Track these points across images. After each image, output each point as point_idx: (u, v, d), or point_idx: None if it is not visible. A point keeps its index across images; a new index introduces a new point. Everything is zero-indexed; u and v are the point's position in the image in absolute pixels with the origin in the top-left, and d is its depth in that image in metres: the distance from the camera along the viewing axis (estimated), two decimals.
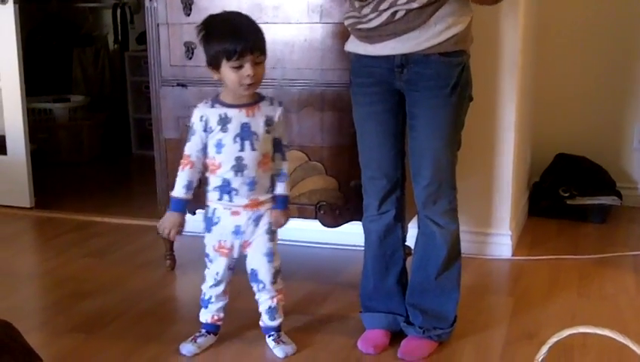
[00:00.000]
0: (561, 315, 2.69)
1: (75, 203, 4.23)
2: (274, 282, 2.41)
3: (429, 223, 2.36)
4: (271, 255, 2.38)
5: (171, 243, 3.14)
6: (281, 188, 2.37)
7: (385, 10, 2.17)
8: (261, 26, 2.71)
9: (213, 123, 2.30)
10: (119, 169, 5.39)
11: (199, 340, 2.46)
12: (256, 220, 2.35)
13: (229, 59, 2.20)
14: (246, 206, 2.33)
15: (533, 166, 4.06)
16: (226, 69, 2.22)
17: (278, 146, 2.36)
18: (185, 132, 2.90)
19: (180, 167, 2.35)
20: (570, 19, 4.01)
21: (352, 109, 2.40)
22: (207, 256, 2.44)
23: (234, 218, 2.35)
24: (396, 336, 2.47)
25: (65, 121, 5.43)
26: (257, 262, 2.39)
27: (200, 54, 2.84)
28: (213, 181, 2.34)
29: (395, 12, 2.16)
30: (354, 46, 2.32)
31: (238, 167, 2.29)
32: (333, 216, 2.80)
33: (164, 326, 2.63)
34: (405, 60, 2.22)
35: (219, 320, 2.49)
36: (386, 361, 2.37)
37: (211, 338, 2.48)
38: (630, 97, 4.02)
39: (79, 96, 5.70)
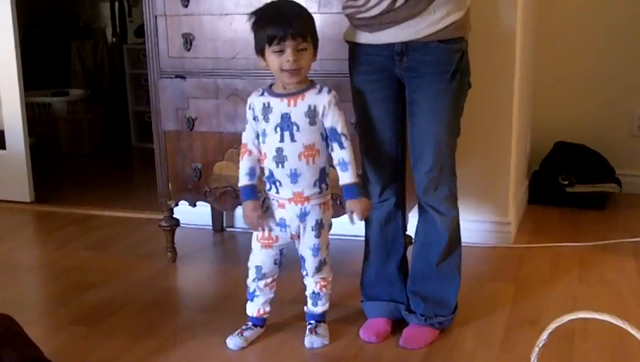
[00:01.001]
0: (562, 301, 2.70)
1: (75, 196, 4.23)
2: (318, 271, 2.41)
3: (430, 210, 2.36)
4: (317, 250, 2.37)
5: (172, 235, 3.14)
6: (344, 178, 2.29)
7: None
8: None
9: (258, 111, 2.30)
10: (119, 162, 5.39)
11: (246, 333, 2.44)
12: (302, 217, 2.33)
13: (270, 44, 2.19)
14: (290, 199, 2.31)
15: (533, 154, 4.06)
16: (269, 55, 2.21)
17: (332, 135, 2.28)
18: (184, 123, 2.92)
19: (240, 157, 2.37)
20: (569, 7, 4.00)
21: (352, 97, 2.40)
22: (252, 248, 2.43)
23: (280, 210, 2.34)
24: (397, 325, 2.48)
25: (64, 114, 5.43)
26: (305, 252, 2.40)
27: (198, 45, 2.86)
28: (265, 171, 2.35)
29: (395, 0, 2.17)
30: (353, 35, 2.32)
31: (279, 158, 2.27)
32: (334, 207, 2.79)
33: (166, 318, 2.64)
34: (405, 48, 2.23)
35: (265, 313, 2.47)
36: (388, 350, 2.37)
37: (258, 331, 2.47)
38: (629, 85, 4.01)
39: (78, 90, 5.71)
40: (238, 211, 3.44)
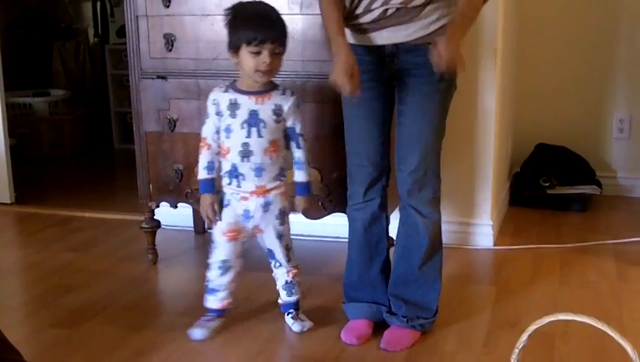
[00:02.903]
0: (543, 303, 2.71)
1: (57, 198, 4.20)
2: (289, 259, 2.50)
3: (412, 213, 2.37)
4: (283, 238, 2.48)
5: (153, 237, 3.13)
6: (299, 176, 2.47)
7: (377, 8, 2.22)
8: None
9: (224, 107, 2.37)
10: (101, 163, 5.36)
11: (209, 324, 2.49)
12: (265, 206, 2.42)
13: (249, 43, 2.27)
14: (253, 192, 2.40)
15: (514, 156, 4.08)
16: (245, 54, 2.29)
17: (292, 135, 2.43)
18: (166, 124, 2.91)
19: (199, 151, 2.43)
20: (550, 10, 4.03)
21: (341, 97, 2.41)
22: (213, 242, 2.48)
23: (243, 202, 2.41)
24: (379, 327, 2.48)
25: (45, 115, 5.40)
26: (272, 243, 2.48)
27: (180, 46, 2.85)
28: (224, 166, 2.41)
29: (387, 9, 2.21)
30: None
31: (245, 153, 2.36)
32: (316, 208, 2.80)
33: (148, 320, 2.62)
34: (396, 50, 2.26)
35: (229, 305, 2.52)
36: (370, 352, 2.37)
37: (221, 321, 2.52)
38: (610, 87, 4.04)
39: (60, 90, 5.67)
40: None
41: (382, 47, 2.28)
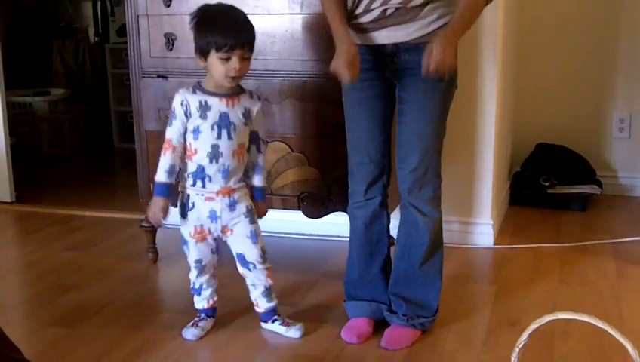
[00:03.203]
0: (543, 302, 2.71)
1: (57, 197, 4.20)
2: (264, 261, 2.45)
3: (413, 211, 2.37)
4: (254, 236, 2.42)
5: (153, 235, 3.13)
6: (258, 180, 2.46)
7: (376, 7, 2.22)
8: None
9: (194, 108, 2.33)
10: (101, 162, 5.36)
11: (201, 324, 2.50)
12: (232, 205, 2.39)
13: (218, 50, 2.25)
14: (218, 192, 2.37)
15: (514, 155, 4.08)
16: (214, 59, 2.26)
17: (255, 139, 2.42)
18: (166, 123, 2.90)
19: (162, 152, 2.37)
20: (551, 10, 4.03)
21: (342, 95, 2.42)
22: (184, 243, 2.46)
23: (208, 203, 2.38)
24: (379, 325, 2.48)
25: (45, 114, 5.40)
26: (242, 245, 2.42)
27: (180, 45, 2.85)
28: (189, 167, 2.37)
29: (386, 9, 2.22)
30: None
31: (214, 155, 2.33)
32: (316, 207, 2.80)
33: (148, 319, 2.62)
34: (396, 49, 2.26)
35: (215, 303, 2.54)
36: (370, 350, 2.38)
37: (211, 321, 2.53)
38: (610, 87, 4.04)
39: (59, 89, 5.67)
40: None
41: (382, 47, 2.28)
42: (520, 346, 1.55)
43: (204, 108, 2.32)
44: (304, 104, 2.73)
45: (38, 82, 5.72)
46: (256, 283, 2.47)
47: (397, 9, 2.21)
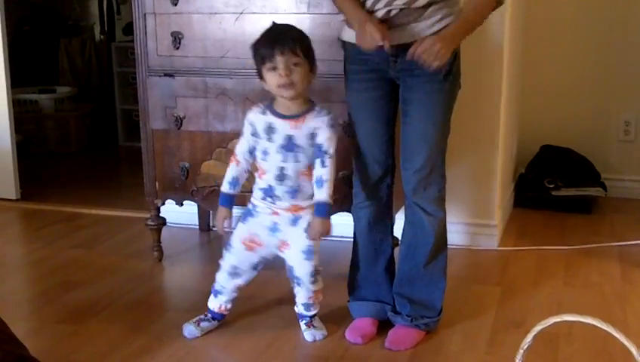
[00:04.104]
0: (547, 304, 2.71)
1: (62, 194, 4.21)
2: (313, 282, 2.44)
3: (418, 211, 2.37)
4: (310, 253, 2.40)
5: (159, 234, 3.14)
6: (319, 195, 2.35)
7: (380, 9, 2.22)
8: (248, 16, 2.74)
9: (260, 130, 2.36)
10: (106, 160, 5.37)
11: (203, 324, 2.50)
12: (294, 221, 2.39)
13: (264, 62, 2.27)
14: (286, 209, 2.39)
15: (519, 157, 4.08)
16: (266, 74, 2.29)
17: (318, 151, 2.35)
18: (172, 122, 2.92)
19: (229, 162, 2.45)
20: (557, 11, 4.03)
21: (346, 96, 2.43)
22: (228, 245, 2.46)
23: (273, 216, 2.39)
24: (383, 326, 2.48)
25: (51, 111, 5.41)
26: (294, 259, 2.42)
27: (187, 44, 2.86)
28: (260, 183, 2.40)
29: (390, 10, 2.22)
30: (349, 36, 2.34)
31: (281, 177, 2.35)
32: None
33: (153, 317, 2.63)
34: (400, 49, 2.25)
35: (226, 310, 2.53)
36: (374, 351, 2.38)
37: (214, 324, 2.52)
38: (616, 89, 4.04)
39: (65, 87, 5.68)
40: None
41: None
42: (525, 348, 1.55)
43: (270, 130, 2.33)
44: None
45: (44, 80, 5.73)
46: (299, 296, 2.48)
47: (401, 10, 2.21)
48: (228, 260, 2.46)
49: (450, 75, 2.29)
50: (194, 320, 2.50)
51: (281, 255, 2.44)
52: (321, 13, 2.66)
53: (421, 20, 2.23)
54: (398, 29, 2.23)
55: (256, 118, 2.36)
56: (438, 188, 2.37)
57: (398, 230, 2.52)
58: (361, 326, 2.47)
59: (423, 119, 2.31)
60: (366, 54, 2.30)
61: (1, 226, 3.75)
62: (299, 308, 2.50)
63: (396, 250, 2.53)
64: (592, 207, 3.83)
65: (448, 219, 2.45)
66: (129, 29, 5.49)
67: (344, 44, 2.39)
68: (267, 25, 2.64)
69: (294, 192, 2.36)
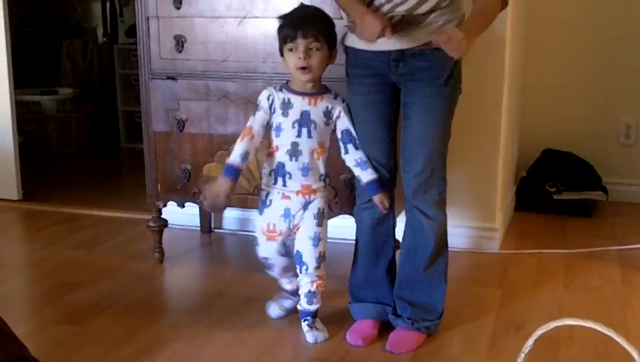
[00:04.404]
0: (548, 307, 2.71)
1: (63, 195, 4.21)
2: (317, 267, 2.46)
3: (418, 214, 2.38)
4: (317, 239, 2.44)
5: (160, 235, 3.14)
6: (367, 175, 2.40)
7: (383, 15, 2.23)
8: (250, 20, 2.74)
9: (277, 104, 2.39)
10: (107, 162, 5.37)
11: (284, 303, 2.63)
12: (306, 205, 2.43)
13: (285, 42, 2.33)
14: (298, 192, 2.41)
15: (520, 161, 4.08)
16: (286, 53, 2.35)
17: (348, 137, 2.41)
18: (174, 125, 2.92)
19: (240, 138, 2.41)
20: (558, 14, 4.03)
21: (348, 99, 2.43)
22: (255, 239, 2.53)
23: (285, 201, 2.42)
24: (384, 329, 2.49)
25: (53, 113, 5.42)
26: (303, 244, 2.45)
27: (190, 47, 2.87)
28: (270, 163, 2.42)
29: (392, 17, 2.23)
30: (352, 41, 2.36)
31: (293, 152, 2.38)
32: (332, 206, 2.80)
33: (153, 319, 2.63)
34: (401, 55, 2.27)
35: (297, 287, 2.55)
36: (375, 354, 2.38)
37: (296, 302, 2.58)
38: (617, 93, 4.04)
39: (67, 89, 5.69)
40: (226, 213, 3.45)
41: (388, 52, 2.29)
42: (526, 351, 1.56)
43: (286, 106, 2.37)
44: None
45: (46, 81, 5.74)
46: (303, 284, 2.49)
47: (403, 16, 2.23)
48: (259, 253, 2.52)
49: (451, 79, 2.30)
50: (275, 298, 2.64)
51: (294, 237, 2.49)
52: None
53: (423, 27, 2.24)
54: (401, 35, 2.24)
55: (275, 93, 2.40)
56: (438, 191, 2.37)
57: (399, 233, 2.53)
58: (362, 328, 2.47)
59: (423, 122, 2.32)
60: (368, 59, 2.30)
61: (2, 227, 3.76)
62: (302, 303, 2.51)
63: (398, 253, 2.54)
64: (593, 211, 3.83)
65: (449, 222, 2.46)
66: (131, 31, 5.50)
67: (346, 49, 2.40)
68: (270, 28, 2.67)
69: (306, 170, 2.39)
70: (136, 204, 3.79)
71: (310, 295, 2.48)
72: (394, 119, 2.41)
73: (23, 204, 4.07)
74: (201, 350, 2.41)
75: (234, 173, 2.38)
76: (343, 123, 2.40)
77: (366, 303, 2.52)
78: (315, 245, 2.44)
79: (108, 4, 5.91)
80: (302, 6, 2.46)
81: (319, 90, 2.40)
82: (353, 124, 2.40)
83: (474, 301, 2.79)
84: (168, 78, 2.91)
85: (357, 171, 2.42)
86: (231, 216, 3.54)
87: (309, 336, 2.46)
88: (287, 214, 2.43)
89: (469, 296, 2.82)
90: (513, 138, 3.78)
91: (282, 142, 2.38)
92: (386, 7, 2.23)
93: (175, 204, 3.07)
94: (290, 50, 2.32)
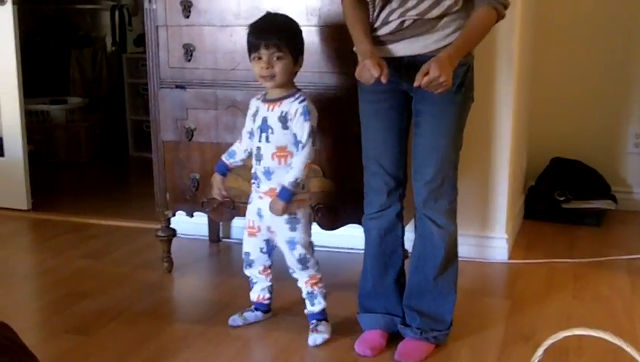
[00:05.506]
0: (557, 317, 2.70)
1: (72, 205, 4.23)
2: (303, 269, 2.53)
3: (428, 223, 2.37)
4: (292, 243, 2.50)
5: (169, 245, 3.15)
6: (284, 179, 2.44)
7: (394, 19, 2.24)
8: None
9: (251, 113, 2.55)
10: (116, 171, 5.39)
11: (245, 314, 2.66)
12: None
13: (250, 51, 2.43)
14: (266, 193, 2.49)
15: (529, 169, 4.07)
16: (252, 62, 2.44)
17: (295, 141, 2.45)
18: (183, 134, 2.93)
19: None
20: (567, 24, 4.03)
21: (359, 107, 2.44)
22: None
23: (259, 201, 2.53)
24: (392, 339, 2.48)
25: (62, 122, 5.44)
26: (282, 248, 2.54)
27: (199, 56, 2.88)
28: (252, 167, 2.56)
29: (404, 21, 2.24)
30: None
31: (257, 156, 2.50)
32: (331, 219, 2.81)
33: (162, 328, 2.64)
34: (413, 61, 2.26)
35: (264, 299, 2.67)
36: None
37: (259, 315, 2.67)
38: (625, 102, 4.04)
39: (76, 98, 5.71)
40: (235, 222, 3.45)
41: (399, 59, 2.29)
42: None
43: (255, 113, 2.52)
44: (320, 116, 2.73)
45: (55, 91, 5.76)
46: (301, 286, 2.57)
47: (414, 21, 2.23)
48: (243, 248, 2.61)
49: (462, 86, 2.29)
50: (240, 311, 2.66)
51: (275, 242, 2.56)
52: (331, 25, 2.67)
53: (434, 32, 2.24)
54: (412, 40, 2.25)
55: (253, 102, 2.55)
56: (449, 200, 2.37)
57: (408, 242, 2.52)
58: (370, 338, 2.46)
59: (434, 130, 2.31)
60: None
61: (11, 236, 3.77)
62: (307, 305, 2.57)
63: (407, 262, 2.53)
64: (602, 220, 3.82)
65: (458, 231, 2.45)
66: (140, 40, 5.52)
67: (357, 56, 2.40)
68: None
69: (269, 173, 2.47)
70: (144, 213, 3.79)
71: (309, 296, 2.55)
72: (405, 128, 2.41)
73: (32, 214, 4.08)
74: (210, 359, 2.41)
75: (221, 167, 2.62)
76: (294, 126, 2.43)
77: (374, 313, 2.51)
78: (292, 248, 2.51)
79: (117, 14, 5.94)
80: (268, 15, 2.51)
81: (283, 94, 2.46)
82: (311, 126, 2.42)
83: (482, 311, 2.78)
84: (177, 87, 2.92)
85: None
86: (239, 226, 3.54)
87: (309, 339, 2.49)
88: (260, 214, 2.52)
89: (478, 306, 2.81)
90: (522, 146, 3.77)
91: (252, 147, 2.52)
92: (397, 12, 2.23)
93: (184, 213, 3.08)
94: (255, 59, 2.40)
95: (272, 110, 2.45)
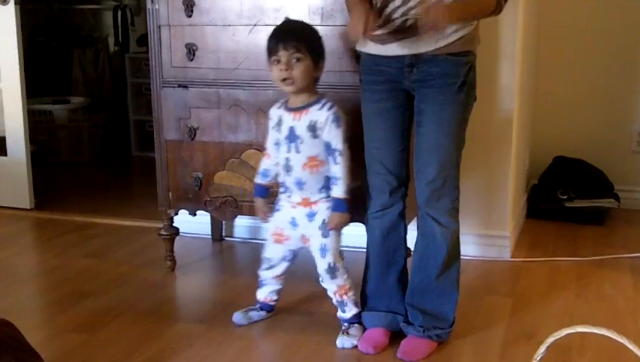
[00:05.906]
0: (559, 316, 2.70)
1: (75, 204, 4.23)
2: (332, 278, 2.50)
3: (430, 222, 2.38)
4: (324, 251, 2.48)
5: (172, 244, 3.15)
6: (335, 192, 2.44)
7: (397, 18, 2.24)
8: (261, 28, 2.75)
9: (274, 123, 2.51)
10: (119, 170, 5.40)
11: (251, 313, 2.66)
12: (310, 216, 2.49)
13: (269, 55, 2.40)
14: (299, 203, 2.49)
15: (532, 168, 4.07)
16: (271, 66, 2.42)
17: (328, 150, 2.43)
18: (186, 133, 2.94)
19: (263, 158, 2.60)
20: (570, 22, 4.03)
21: (361, 106, 2.44)
22: (266, 240, 2.61)
23: (292, 210, 2.52)
24: (395, 337, 2.48)
25: (65, 122, 5.44)
26: (314, 256, 2.52)
27: (201, 56, 2.88)
28: (280, 176, 2.54)
29: (406, 20, 2.23)
30: (364, 45, 2.36)
31: (287, 168, 2.47)
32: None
33: (164, 326, 2.64)
34: (415, 60, 2.27)
35: (271, 300, 2.68)
36: (386, 361, 2.38)
37: (263, 314, 2.68)
38: (628, 100, 4.03)
39: (79, 98, 5.72)
40: (238, 221, 3.45)
41: (401, 58, 2.29)
42: (537, 359, 1.55)
43: (279, 123, 2.48)
44: None
45: (58, 90, 5.77)
46: (330, 294, 2.55)
47: (417, 19, 2.22)
48: (264, 253, 2.63)
49: (464, 85, 2.29)
50: (244, 309, 2.65)
51: (309, 248, 2.54)
52: (334, 25, 2.67)
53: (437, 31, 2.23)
54: (413, 39, 2.24)
55: (273, 112, 2.52)
56: (451, 199, 2.37)
57: (411, 240, 2.53)
58: (373, 336, 2.47)
59: (436, 130, 2.32)
60: (382, 64, 2.31)
61: (14, 235, 3.78)
62: (338, 310, 2.56)
63: (409, 261, 2.54)
64: (605, 219, 3.81)
65: (461, 229, 2.45)
66: (143, 40, 5.53)
67: (359, 55, 2.41)
68: None
69: (300, 184, 2.45)
70: (147, 212, 3.80)
71: (339, 303, 2.54)
72: (407, 127, 2.41)
73: (35, 213, 4.09)
74: (212, 358, 2.41)
75: (258, 191, 2.60)
76: (325, 135, 2.41)
77: (377, 312, 2.52)
78: (323, 256, 2.48)
79: (119, 14, 5.94)
80: (287, 20, 2.53)
81: (308, 101, 2.42)
82: (344, 132, 2.41)
83: (485, 309, 2.79)
84: (180, 86, 2.93)
85: (332, 183, 2.44)
86: (242, 225, 3.55)
87: (338, 341, 2.48)
88: (293, 223, 2.51)
89: (480, 304, 2.82)
90: (525, 145, 3.77)
91: (280, 158, 2.49)
92: (400, 11, 2.23)
93: (187, 212, 3.08)
94: (274, 62, 2.38)
95: (299, 119, 2.42)
